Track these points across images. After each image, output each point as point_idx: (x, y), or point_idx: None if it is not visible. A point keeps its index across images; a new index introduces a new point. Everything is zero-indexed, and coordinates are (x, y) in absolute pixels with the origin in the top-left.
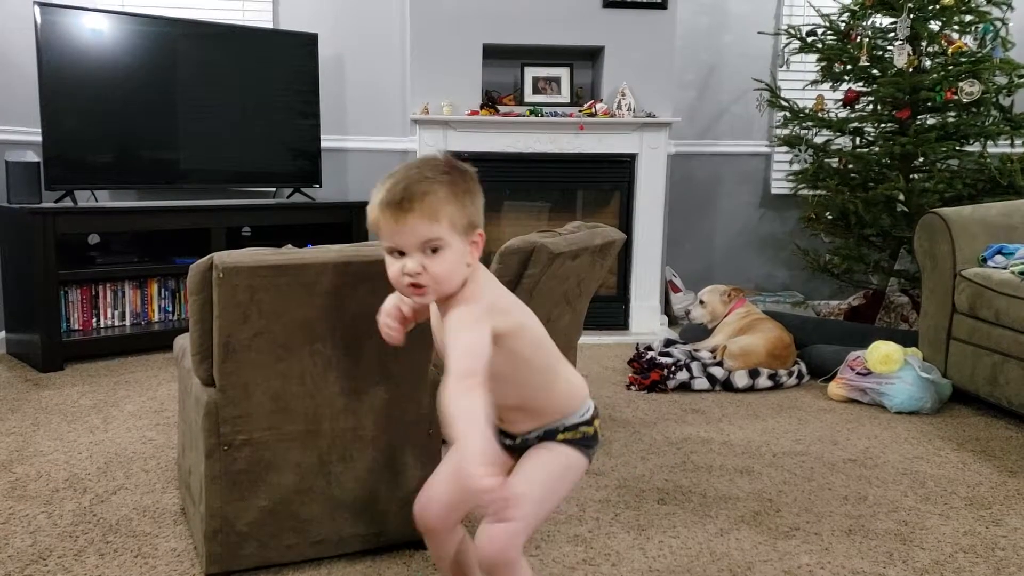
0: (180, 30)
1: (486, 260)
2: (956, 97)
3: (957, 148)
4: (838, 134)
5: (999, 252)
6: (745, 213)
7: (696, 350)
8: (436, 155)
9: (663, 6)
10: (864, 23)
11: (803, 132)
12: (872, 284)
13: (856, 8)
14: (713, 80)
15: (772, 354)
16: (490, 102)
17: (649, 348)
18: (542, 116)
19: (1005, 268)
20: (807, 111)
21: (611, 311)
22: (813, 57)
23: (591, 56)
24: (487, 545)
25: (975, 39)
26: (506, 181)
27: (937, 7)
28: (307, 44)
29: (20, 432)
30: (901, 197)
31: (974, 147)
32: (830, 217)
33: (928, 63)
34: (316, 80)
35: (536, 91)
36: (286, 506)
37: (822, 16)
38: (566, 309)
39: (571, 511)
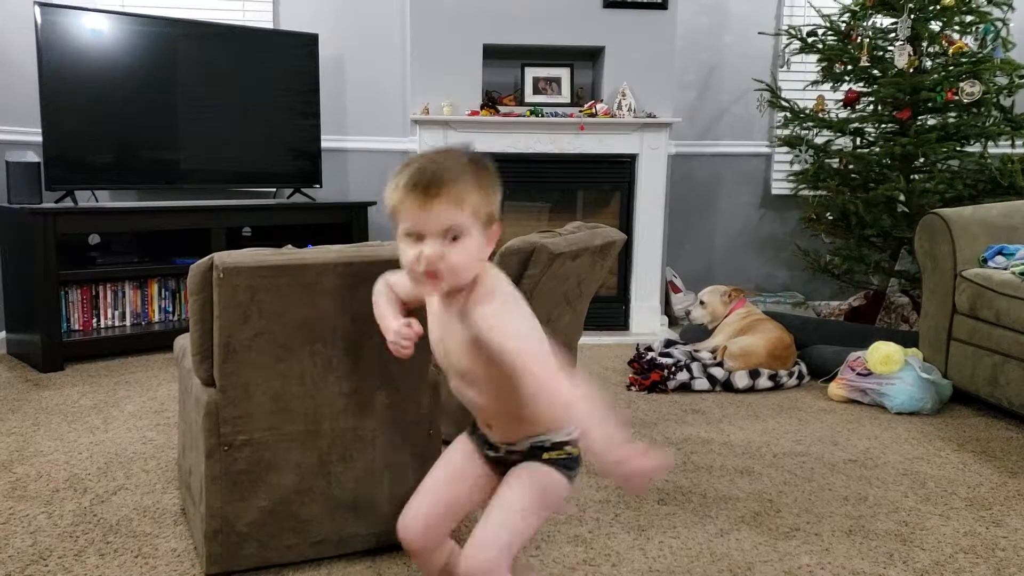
0: (180, 30)
1: None
2: (957, 98)
3: (958, 149)
4: (839, 134)
5: (1000, 253)
6: (745, 213)
7: (696, 351)
8: (459, 146)
9: (663, 6)
10: (865, 23)
11: (803, 132)
12: (872, 285)
13: (857, 8)
14: (713, 80)
15: (772, 355)
16: (490, 102)
17: (649, 348)
18: (542, 116)
19: (1005, 269)
20: (807, 111)
21: (611, 311)
22: (814, 57)
23: (591, 56)
24: (477, 554)
25: (976, 39)
26: (506, 181)
27: (938, 7)
28: (307, 44)
29: (20, 432)
30: (902, 198)
31: (975, 148)
32: (830, 217)
33: (929, 63)
34: (316, 80)
35: (536, 91)
36: (286, 506)
37: (823, 16)
38: (566, 309)
39: (571, 511)
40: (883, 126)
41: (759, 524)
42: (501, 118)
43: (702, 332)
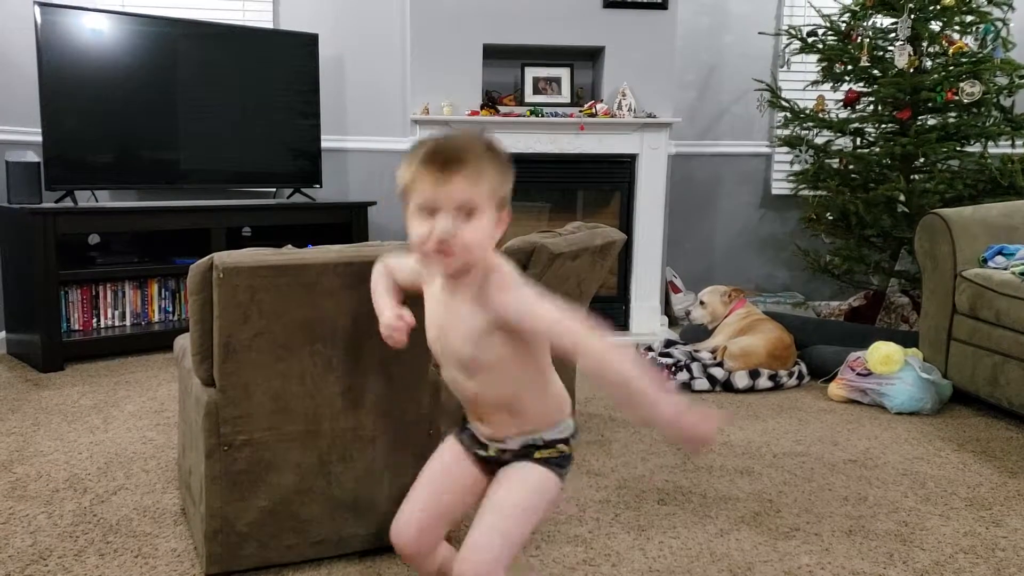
0: (180, 30)
1: None
2: (957, 98)
3: (958, 149)
4: (839, 134)
5: (1000, 253)
6: (745, 213)
7: (696, 351)
8: (473, 129)
9: (664, 6)
10: (865, 23)
11: (804, 132)
12: (872, 285)
13: (857, 8)
14: (714, 80)
15: (772, 355)
16: (490, 102)
17: (649, 349)
18: (542, 116)
19: (1006, 269)
20: (808, 111)
21: (611, 312)
22: (814, 57)
23: (591, 56)
24: (475, 559)
25: (976, 40)
26: None
27: (938, 7)
28: (307, 44)
29: (20, 432)
30: (902, 198)
31: (975, 148)
32: (830, 218)
33: (929, 63)
34: (316, 80)
35: (536, 91)
36: (286, 506)
37: (823, 16)
38: None
39: (571, 511)
40: (883, 126)
41: (759, 524)
42: (501, 118)
43: (702, 332)
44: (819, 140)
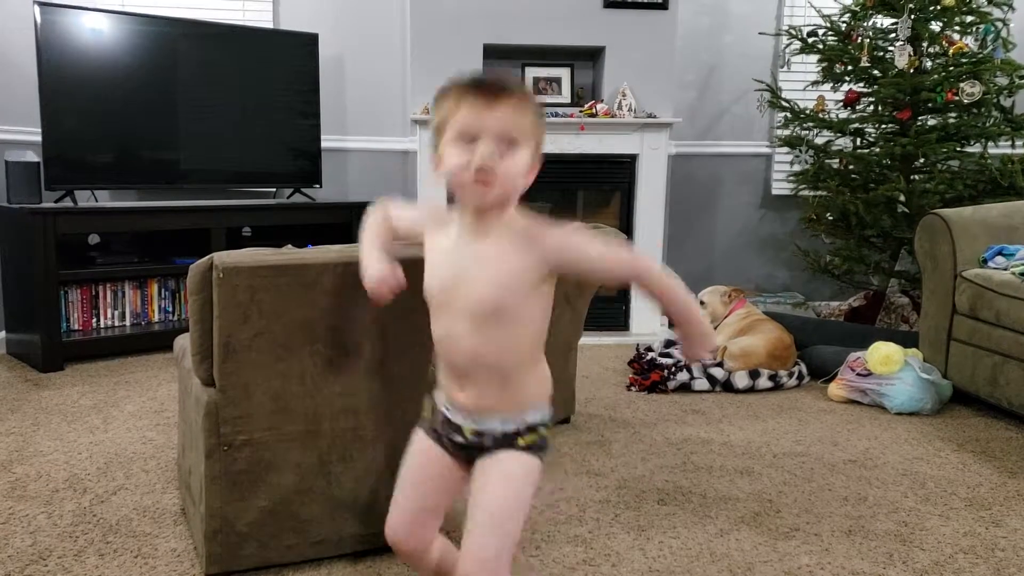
0: (180, 30)
1: None
2: (957, 98)
3: (958, 149)
4: (839, 135)
5: (1000, 253)
6: (745, 214)
7: None
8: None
9: (664, 6)
10: (865, 24)
11: (804, 133)
12: (872, 285)
13: (857, 9)
14: (714, 80)
15: (772, 355)
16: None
17: (649, 349)
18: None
19: (1006, 269)
20: (808, 112)
21: (611, 312)
22: (814, 58)
23: (592, 56)
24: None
25: (976, 40)
26: None
27: (938, 8)
28: (307, 44)
29: (20, 432)
30: (902, 198)
31: (975, 148)
32: (831, 218)
33: (929, 64)
34: (316, 80)
35: (537, 91)
36: (286, 506)
37: (823, 17)
38: (566, 309)
39: (571, 511)
40: (883, 126)
41: (759, 524)
42: None
43: None
44: (819, 140)
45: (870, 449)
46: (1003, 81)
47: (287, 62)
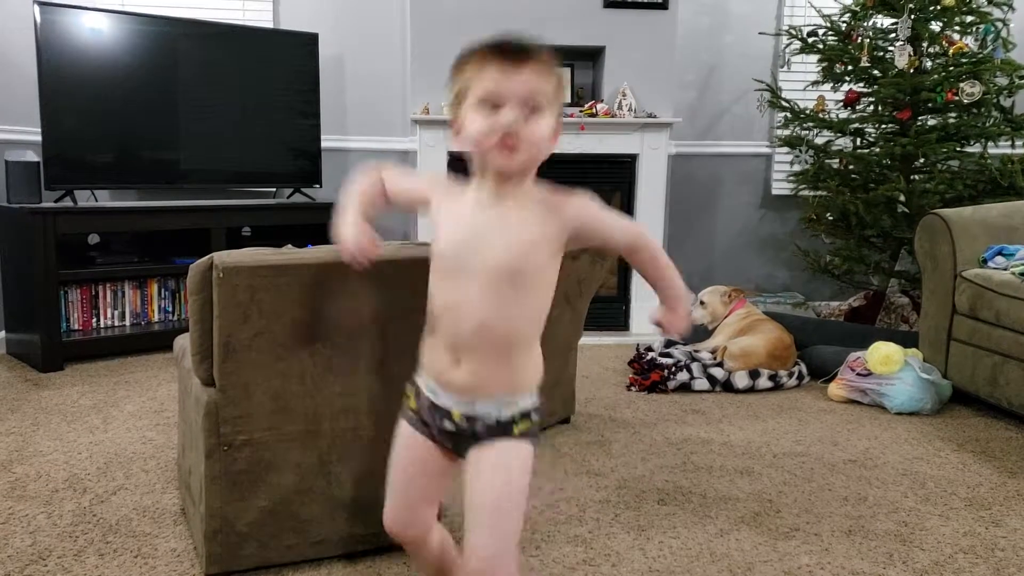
0: (180, 30)
1: None
2: (957, 98)
3: (958, 149)
4: (839, 135)
5: (999, 253)
6: (746, 214)
7: (696, 351)
8: None
9: (664, 6)
10: (865, 24)
11: (804, 133)
12: (872, 285)
13: (857, 9)
14: (714, 80)
15: (772, 355)
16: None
17: (649, 349)
18: None
19: (1005, 269)
20: (808, 112)
21: (611, 312)
22: (814, 58)
23: (592, 56)
24: (491, 571)
25: (976, 40)
26: None
27: (938, 8)
28: (307, 44)
29: (20, 432)
30: (902, 198)
31: (975, 148)
32: (831, 218)
33: (929, 64)
34: (316, 80)
35: None
36: (286, 506)
37: (823, 17)
38: (566, 309)
39: (571, 511)
40: (883, 126)
41: (759, 524)
42: None
43: (702, 332)
44: (819, 140)
45: (870, 449)
46: (1003, 81)
47: (287, 62)
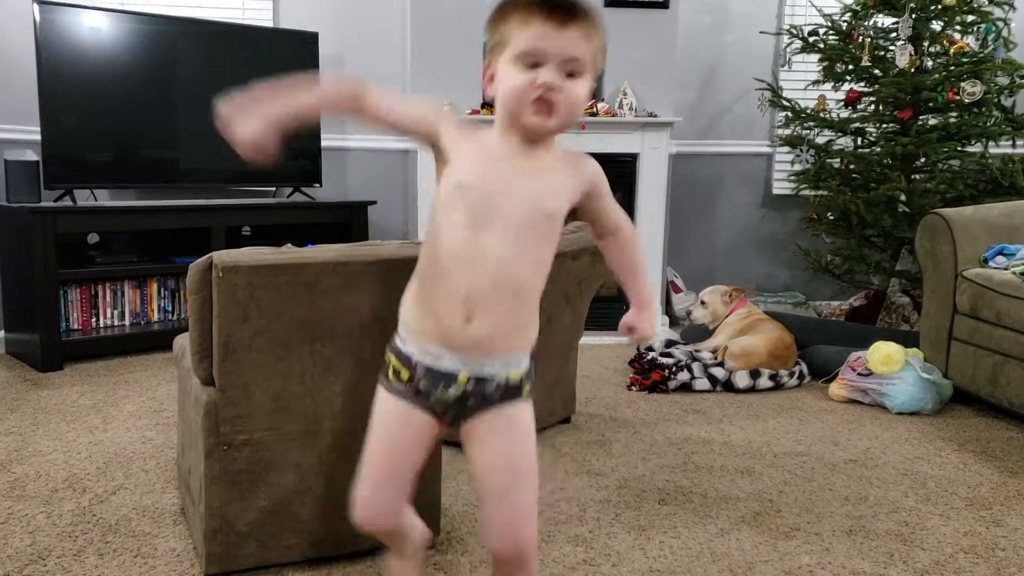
0: (180, 28)
1: None
2: (958, 97)
3: (959, 149)
4: (840, 134)
5: (1000, 253)
6: (746, 213)
7: (697, 351)
8: None
9: (665, 5)
10: (866, 23)
11: (805, 132)
12: (873, 285)
13: (858, 8)
14: (714, 80)
15: (773, 355)
16: (491, 102)
17: (650, 349)
18: None
19: (1006, 269)
20: (809, 111)
21: (612, 312)
22: (815, 57)
23: None
24: (519, 535)
25: (977, 39)
26: None
27: (939, 7)
28: (307, 43)
29: (19, 432)
30: (902, 197)
31: (976, 148)
32: (831, 217)
33: (930, 63)
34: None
35: None
36: (286, 506)
37: (824, 16)
38: (566, 309)
39: (571, 511)
40: (884, 126)
41: (759, 524)
42: None
43: (703, 332)
44: (820, 140)
45: (871, 449)
46: (1004, 81)
47: (287, 61)
